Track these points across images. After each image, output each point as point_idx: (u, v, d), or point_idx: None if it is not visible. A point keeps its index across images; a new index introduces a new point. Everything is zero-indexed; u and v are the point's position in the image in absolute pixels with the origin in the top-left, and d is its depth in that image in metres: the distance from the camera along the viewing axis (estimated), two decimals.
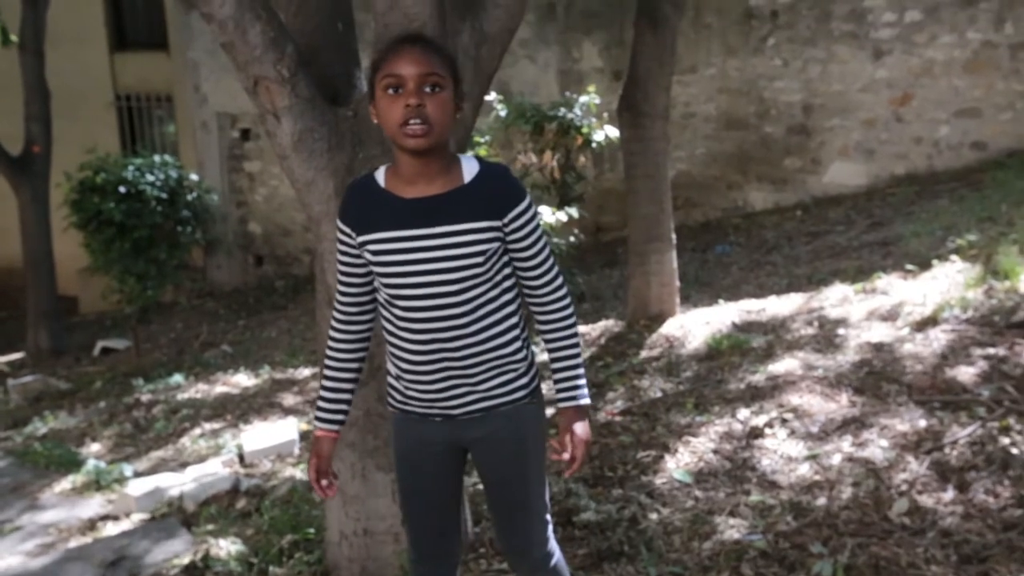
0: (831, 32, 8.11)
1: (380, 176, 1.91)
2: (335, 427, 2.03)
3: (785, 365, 4.14)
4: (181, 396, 6.39)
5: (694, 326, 5.14)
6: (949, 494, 2.85)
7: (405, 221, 1.84)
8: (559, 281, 1.98)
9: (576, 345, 1.99)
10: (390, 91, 1.80)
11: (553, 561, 2.11)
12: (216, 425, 5.48)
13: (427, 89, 1.78)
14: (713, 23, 8.63)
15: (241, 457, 4.65)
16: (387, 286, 1.89)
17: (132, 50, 11.86)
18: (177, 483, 4.23)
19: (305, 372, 6.43)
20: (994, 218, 5.78)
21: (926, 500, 2.84)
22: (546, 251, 1.95)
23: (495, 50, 2.62)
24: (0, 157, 9.02)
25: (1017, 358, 3.64)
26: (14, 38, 8.85)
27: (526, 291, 1.98)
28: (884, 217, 7.03)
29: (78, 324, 10.53)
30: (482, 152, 5.89)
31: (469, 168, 1.88)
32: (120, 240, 7.90)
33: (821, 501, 2.95)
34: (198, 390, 6.53)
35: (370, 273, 1.94)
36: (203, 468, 4.48)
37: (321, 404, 2.03)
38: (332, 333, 2.02)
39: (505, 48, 2.66)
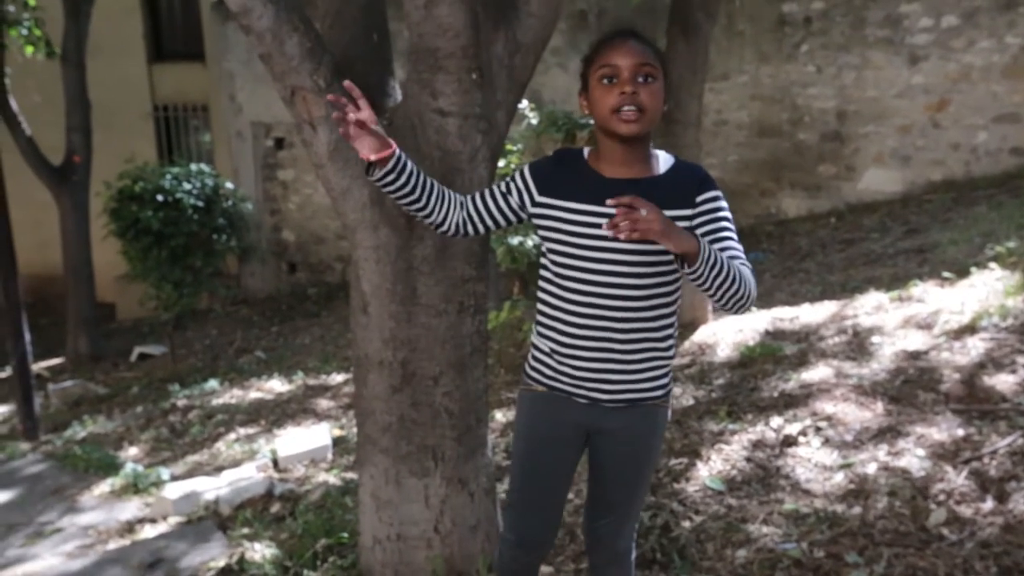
0: (866, 38, 8.04)
1: (584, 153, 1.98)
2: (390, 159, 1.90)
3: (819, 373, 4.11)
4: (216, 401, 6.47)
5: (727, 333, 5.12)
6: (988, 504, 2.81)
7: (600, 197, 1.86)
8: (749, 269, 1.84)
9: (741, 276, 1.77)
10: (605, 81, 1.86)
11: (633, 554, 2.19)
12: (250, 430, 5.54)
13: (640, 79, 1.85)
14: (746, 30, 8.59)
15: (275, 462, 4.70)
16: (566, 255, 1.91)
17: (169, 61, 12.07)
18: (213, 487, 4.28)
19: (338, 378, 6.48)
20: None
21: (964, 510, 2.80)
22: (738, 243, 1.87)
23: (528, 59, 2.64)
24: (42, 167, 9.21)
25: None
26: (57, 50, 9.05)
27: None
28: (920, 224, 6.95)
29: (116, 330, 10.71)
30: (514, 160, 5.91)
31: (666, 161, 1.95)
32: (157, 248, 8.03)
33: (856, 510, 2.92)
34: (233, 395, 6.60)
35: (495, 225, 2.02)
36: (238, 472, 4.54)
37: (404, 160, 1.93)
38: (447, 192, 2.01)
39: (539, 57, 2.68)
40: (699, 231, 1.86)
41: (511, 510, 2.16)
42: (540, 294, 2.00)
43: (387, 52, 2.81)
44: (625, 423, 2.00)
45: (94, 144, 9.50)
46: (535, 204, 1.95)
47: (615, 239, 1.75)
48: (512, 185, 1.99)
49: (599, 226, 1.85)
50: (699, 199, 1.89)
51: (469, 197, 2.04)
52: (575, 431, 2.03)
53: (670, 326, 1.97)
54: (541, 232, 1.96)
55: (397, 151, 1.92)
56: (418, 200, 1.97)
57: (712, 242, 1.83)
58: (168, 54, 12.17)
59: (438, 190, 2.00)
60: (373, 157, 1.91)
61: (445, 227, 2.03)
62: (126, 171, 8.25)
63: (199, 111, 11.96)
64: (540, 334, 2.01)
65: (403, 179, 1.94)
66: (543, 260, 1.99)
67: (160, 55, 12.17)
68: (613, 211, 1.74)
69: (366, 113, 1.90)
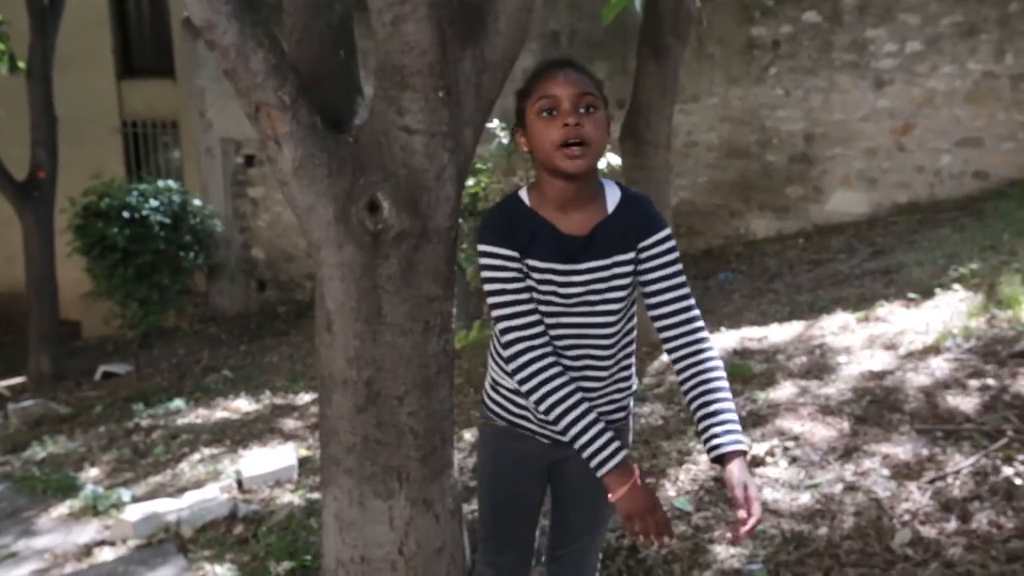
0: (832, 62, 8.16)
1: (524, 197, 1.85)
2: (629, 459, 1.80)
3: (786, 392, 4.13)
4: (181, 421, 6.37)
5: None
6: (952, 525, 2.83)
7: (560, 255, 1.80)
8: (695, 315, 1.84)
9: (727, 383, 1.82)
10: (544, 114, 1.78)
11: None
12: (215, 450, 5.46)
13: (582, 110, 1.76)
14: (715, 53, 8.69)
15: (240, 483, 4.63)
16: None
17: (139, 76, 11.97)
18: (174, 509, 4.20)
19: (306, 398, 6.41)
20: (996, 247, 5.77)
21: (928, 531, 2.82)
22: (686, 288, 1.84)
23: (496, 77, 2.63)
24: (6, 182, 9.06)
25: (1020, 388, 3.62)
26: (22, 65, 8.94)
27: (665, 324, 1.83)
28: (886, 245, 7.03)
29: (80, 348, 10.53)
30: (484, 180, 5.92)
31: (612, 196, 1.84)
32: (123, 265, 7.92)
33: (823, 531, 2.93)
34: (198, 415, 6.51)
35: (531, 294, 1.84)
36: (201, 494, 4.46)
37: (607, 438, 1.76)
38: (546, 367, 1.79)
39: (506, 75, 2.67)
40: (647, 273, 1.81)
41: (485, 545, 2.14)
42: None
43: (354, 69, 2.79)
44: None
45: (61, 159, 9.38)
46: (526, 266, 1.85)
47: (578, 296, 1.79)
48: (504, 268, 1.83)
49: (566, 284, 1.79)
50: (642, 244, 1.81)
51: (528, 317, 1.83)
52: (542, 465, 2.01)
53: (632, 355, 1.96)
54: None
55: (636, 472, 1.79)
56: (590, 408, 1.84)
57: (660, 292, 1.81)
58: (138, 69, 12.08)
59: (573, 383, 1.82)
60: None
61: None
62: (92, 187, 8.14)
63: (168, 127, 11.87)
64: (507, 374, 1.91)
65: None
66: None
67: (129, 70, 12.07)
68: (577, 267, 1.77)
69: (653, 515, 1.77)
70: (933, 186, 7.86)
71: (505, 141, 6.31)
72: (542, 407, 1.79)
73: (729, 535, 1.85)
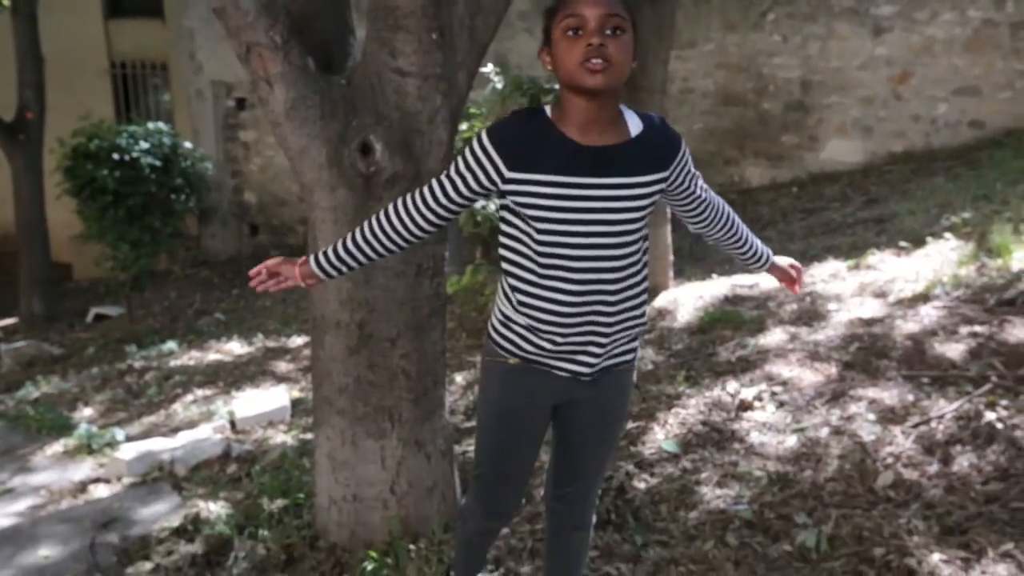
0: (831, 8, 8.06)
1: (548, 110, 1.83)
2: (320, 273, 1.96)
3: (775, 339, 4.17)
4: (174, 363, 6.40)
5: (687, 300, 5.16)
6: (933, 467, 2.88)
7: (578, 168, 1.78)
8: (716, 197, 2.08)
9: (745, 229, 2.19)
10: (570, 33, 1.73)
11: (594, 520, 2.20)
12: (208, 392, 5.50)
13: (608, 31, 1.73)
14: None
15: (233, 423, 4.67)
16: (546, 232, 1.80)
17: (127, 17, 11.75)
18: (168, 448, 4.25)
19: (298, 341, 6.44)
20: (989, 197, 5.79)
21: (911, 473, 2.87)
22: (700, 181, 2.01)
23: (490, 20, 2.61)
24: None
25: (1006, 335, 3.66)
26: (6, 2, 8.77)
27: (702, 222, 2.07)
28: (880, 194, 7.04)
29: (72, 291, 10.52)
30: (477, 125, 5.87)
31: (632, 121, 1.85)
32: (114, 207, 7.88)
33: (807, 473, 2.98)
34: (191, 357, 6.54)
35: (459, 210, 1.89)
36: (194, 434, 4.50)
37: (330, 251, 1.95)
38: (398, 213, 1.90)
39: (500, 19, 2.65)
40: (677, 191, 1.93)
41: (480, 483, 2.10)
42: (515, 268, 1.88)
43: (346, 10, 2.76)
44: (597, 392, 1.96)
45: (49, 101, 9.26)
46: (506, 181, 1.79)
47: (597, 211, 1.79)
48: (474, 164, 1.80)
49: (579, 198, 1.78)
50: (673, 164, 1.87)
51: (424, 198, 1.88)
52: (549, 402, 1.98)
53: (645, 287, 1.94)
54: (516, 206, 1.82)
55: (320, 271, 1.96)
56: (375, 258, 1.96)
57: (691, 195, 1.98)
58: (126, 9, 11.86)
59: (386, 238, 1.91)
60: (306, 284, 2.00)
61: (418, 242, 1.96)
62: (81, 128, 8.05)
63: (158, 69, 11.70)
64: (519, 307, 1.89)
65: (346, 267, 1.97)
66: (513, 232, 1.87)
67: (117, 10, 11.85)
68: (596, 181, 1.78)
69: (280, 267, 2.00)
70: (929, 135, 7.83)
71: (499, 86, 6.25)
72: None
73: (793, 291, 2.41)
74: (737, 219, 2.14)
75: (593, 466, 2.08)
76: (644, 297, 1.94)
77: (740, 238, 2.16)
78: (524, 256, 1.85)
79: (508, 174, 1.79)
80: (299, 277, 1.98)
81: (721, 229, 2.11)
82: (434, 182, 1.89)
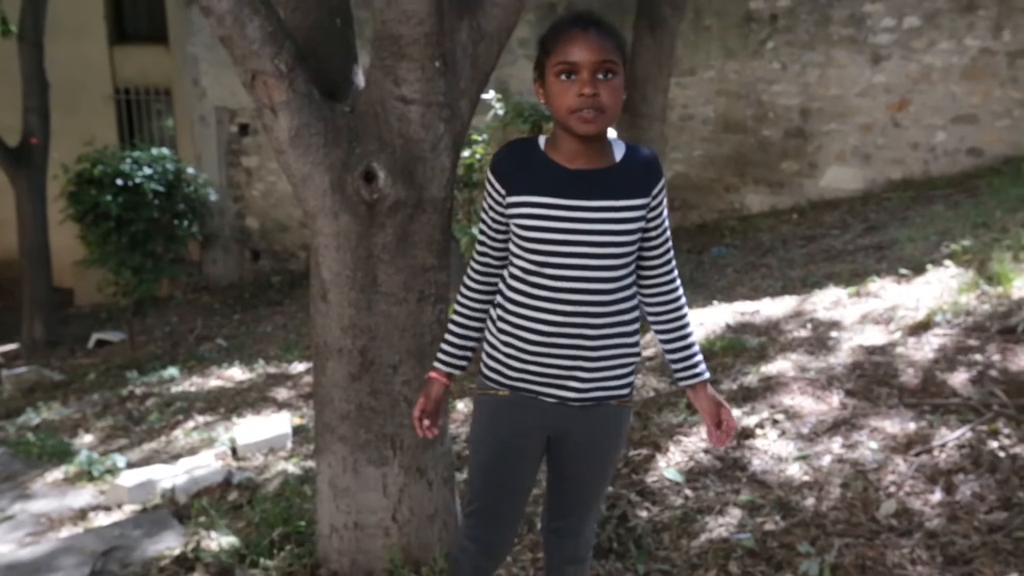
0: (830, 36, 8.14)
1: (540, 143, 1.93)
2: (453, 370, 2.06)
3: (778, 366, 4.16)
4: (175, 389, 6.40)
5: None
6: (936, 496, 2.87)
7: (565, 190, 1.85)
8: (675, 263, 2.04)
9: (691, 326, 2.06)
10: (563, 77, 1.81)
11: (591, 554, 2.19)
12: (209, 418, 5.49)
13: (600, 76, 1.80)
14: (713, 25, 8.65)
15: (234, 450, 4.66)
16: (534, 252, 1.88)
17: (132, 43, 11.86)
18: (169, 475, 4.23)
19: (299, 367, 6.43)
20: (988, 224, 5.80)
21: (914, 502, 2.86)
22: (669, 232, 2.00)
23: (492, 48, 2.63)
24: None
25: (1008, 363, 3.66)
26: (13, 28, 8.85)
27: (645, 271, 2.00)
28: (879, 221, 7.06)
29: (73, 316, 10.53)
30: (479, 151, 5.90)
31: (618, 146, 1.93)
32: (117, 233, 7.91)
33: (810, 501, 2.97)
34: (192, 383, 6.53)
35: (507, 234, 1.96)
36: (195, 460, 4.49)
37: (445, 347, 2.05)
38: (469, 283, 2.04)
39: (503, 46, 2.67)
40: (651, 222, 1.93)
41: (472, 520, 2.09)
42: (504, 292, 1.95)
43: (350, 38, 2.79)
44: (590, 425, 1.97)
45: (54, 126, 9.32)
46: (507, 205, 1.90)
47: (583, 233, 1.84)
48: (487, 196, 1.95)
49: (565, 219, 1.84)
50: (655, 190, 1.92)
51: (483, 245, 2.01)
52: (539, 435, 1.99)
53: (635, 320, 1.96)
54: (513, 227, 1.91)
55: (449, 367, 2.07)
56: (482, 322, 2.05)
57: (657, 236, 1.97)
58: (130, 36, 11.97)
59: (491, 304, 2.02)
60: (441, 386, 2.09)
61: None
62: (85, 154, 8.10)
63: (162, 95, 11.78)
64: (503, 332, 1.94)
65: (468, 347, 2.07)
66: (510, 256, 1.96)
67: (122, 37, 11.96)
68: (579, 203, 1.84)
69: (426, 405, 2.07)
70: (927, 163, 7.87)
71: (501, 112, 6.29)
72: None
73: (712, 443, 2.06)
74: (684, 313, 2.03)
75: (585, 500, 2.07)
76: (636, 327, 1.96)
77: (675, 328, 2.02)
78: (515, 279, 1.93)
79: (508, 199, 1.90)
80: (438, 390, 2.08)
81: (662, 304, 2.00)
82: (480, 227, 2.03)
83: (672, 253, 2.01)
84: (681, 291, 2.02)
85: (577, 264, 1.86)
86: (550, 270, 1.87)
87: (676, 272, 2.03)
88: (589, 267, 1.86)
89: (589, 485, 2.05)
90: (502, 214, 1.93)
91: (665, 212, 1.96)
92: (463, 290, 2.05)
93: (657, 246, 1.97)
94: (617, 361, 1.94)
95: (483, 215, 1.99)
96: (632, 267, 1.94)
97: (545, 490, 2.16)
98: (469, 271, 2.04)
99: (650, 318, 2.03)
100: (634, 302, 1.96)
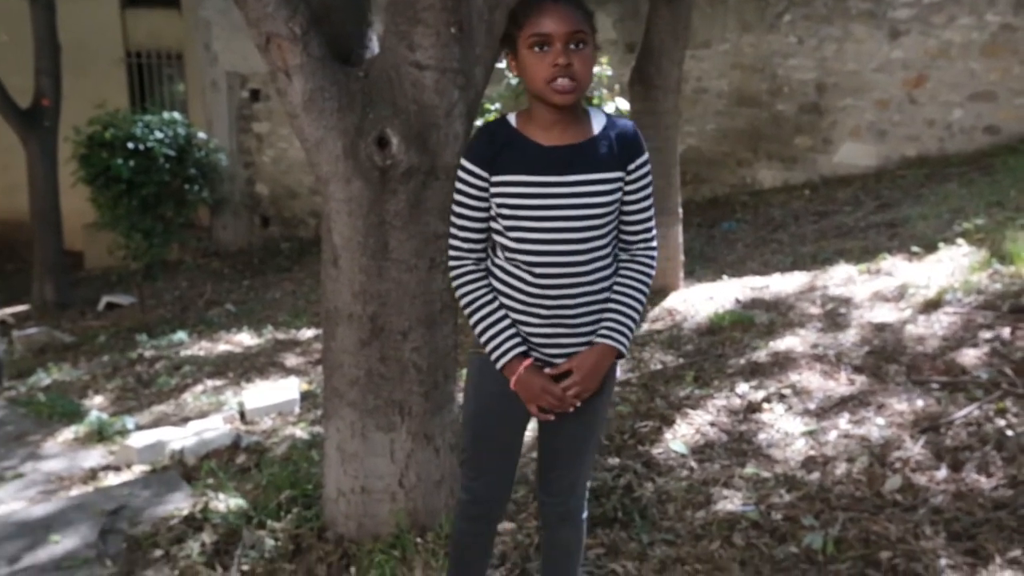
0: (848, 10, 8.03)
1: (512, 120, 1.95)
2: (525, 348, 1.97)
3: (786, 342, 4.16)
4: (184, 353, 6.43)
5: (697, 300, 5.16)
6: (942, 473, 2.88)
7: (541, 167, 1.88)
8: (654, 242, 2.03)
9: (642, 299, 1.99)
10: (536, 48, 1.84)
11: (584, 513, 2.21)
12: (218, 382, 5.52)
13: (572, 46, 1.83)
14: None
15: (242, 414, 4.70)
16: (514, 229, 1.92)
17: (143, 6, 11.79)
18: (178, 437, 4.27)
19: (308, 333, 6.46)
20: (1003, 203, 5.76)
21: (919, 478, 2.87)
22: (652, 208, 2.00)
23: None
24: (9, 109, 9.01)
25: (1018, 342, 3.65)
26: None
27: (622, 243, 2.00)
28: (892, 199, 7.01)
29: (83, 279, 10.58)
30: (491, 119, 5.88)
31: (597, 120, 1.95)
32: (128, 196, 7.92)
33: (815, 476, 2.98)
34: (201, 347, 6.57)
35: (489, 216, 1.97)
36: (204, 424, 4.53)
37: (507, 335, 1.96)
38: (470, 274, 1.99)
39: None
40: (628, 196, 1.95)
41: (465, 470, 2.18)
42: (491, 264, 2.00)
43: (365, 2, 2.76)
44: None
45: (65, 89, 9.30)
46: (492, 185, 1.93)
47: (560, 208, 1.87)
48: (468, 184, 1.94)
49: (542, 195, 1.88)
50: (632, 166, 1.93)
51: (469, 233, 1.98)
52: None
53: (609, 287, 1.99)
54: (495, 207, 1.94)
55: (521, 354, 1.97)
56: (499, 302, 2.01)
57: (634, 212, 1.97)
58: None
59: (481, 285, 1.99)
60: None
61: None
62: (96, 117, 8.09)
63: (173, 59, 11.74)
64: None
65: (515, 327, 1.99)
66: (494, 233, 1.99)
67: (134, 0, 11.89)
68: (554, 178, 1.86)
69: (552, 386, 1.96)
70: (943, 140, 7.80)
71: (514, 81, 6.24)
72: (462, 303, 2.01)
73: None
74: (641, 288, 1.99)
75: (573, 454, 2.12)
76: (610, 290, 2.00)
77: (624, 294, 1.98)
78: (502, 252, 1.98)
79: (492, 179, 1.92)
80: (537, 369, 1.97)
81: (626, 273, 1.99)
82: (458, 222, 1.99)
83: (653, 232, 2.01)
84: (650, 269, 2.01)
85: (554, 239, 1.90)
86: (531, 245, 1.92)
87: (652, 250, 2.01)
88: (566, 240, 1.91)
89: (576, 440, 2.10)
90: (485, 199, 1.94)
91: (647, 189, 1.97)
92: (473, 284, 1.99)
93: (634, 222, 1.98)
94: (596, 325, 1.98)
95: (461, 208, 1.96)
96: (611, 237, 1.97)
97: (538, 450, 2.19)
98: (464, 265, 2.00)
99: (614, 277, 2.02)
100: (613, 267, 2.00)
